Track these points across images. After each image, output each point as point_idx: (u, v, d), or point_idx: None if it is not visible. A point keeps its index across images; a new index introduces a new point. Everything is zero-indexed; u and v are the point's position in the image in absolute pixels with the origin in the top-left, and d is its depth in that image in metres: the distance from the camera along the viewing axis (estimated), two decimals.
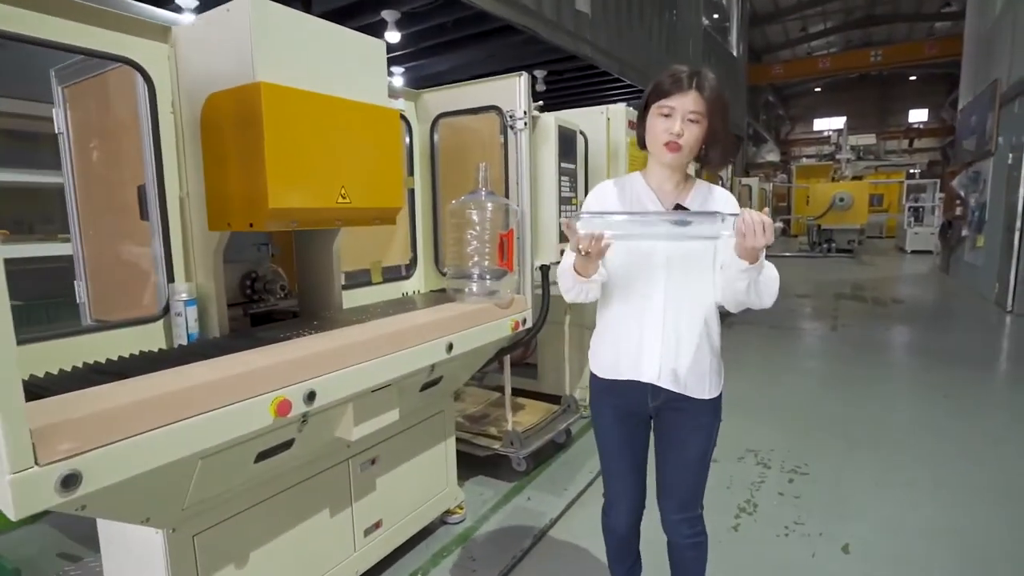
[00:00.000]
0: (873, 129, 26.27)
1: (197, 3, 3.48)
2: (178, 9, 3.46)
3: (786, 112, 30.96)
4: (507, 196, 2.44)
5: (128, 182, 1.77)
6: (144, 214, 1.76)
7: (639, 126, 1.47)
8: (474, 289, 2.26)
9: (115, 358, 1.51)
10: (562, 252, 2.77)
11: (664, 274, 1.44)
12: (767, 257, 1.35)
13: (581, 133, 3.19)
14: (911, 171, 21.15)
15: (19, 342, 1.51)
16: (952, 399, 4.06)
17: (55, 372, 1.40)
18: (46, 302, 2.85)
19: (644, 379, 1.48)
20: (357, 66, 1.79)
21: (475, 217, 2.22)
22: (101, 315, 1.90)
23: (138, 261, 1.81)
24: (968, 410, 3.84)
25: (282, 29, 1.57)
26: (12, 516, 0.96)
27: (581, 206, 1.61)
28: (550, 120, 2.63)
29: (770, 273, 1.36)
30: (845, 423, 3.63)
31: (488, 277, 2.27)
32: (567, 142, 2.74)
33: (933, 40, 17.63)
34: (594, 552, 2.30)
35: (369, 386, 1.68)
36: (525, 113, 2.33)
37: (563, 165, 2.70)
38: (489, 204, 2.22)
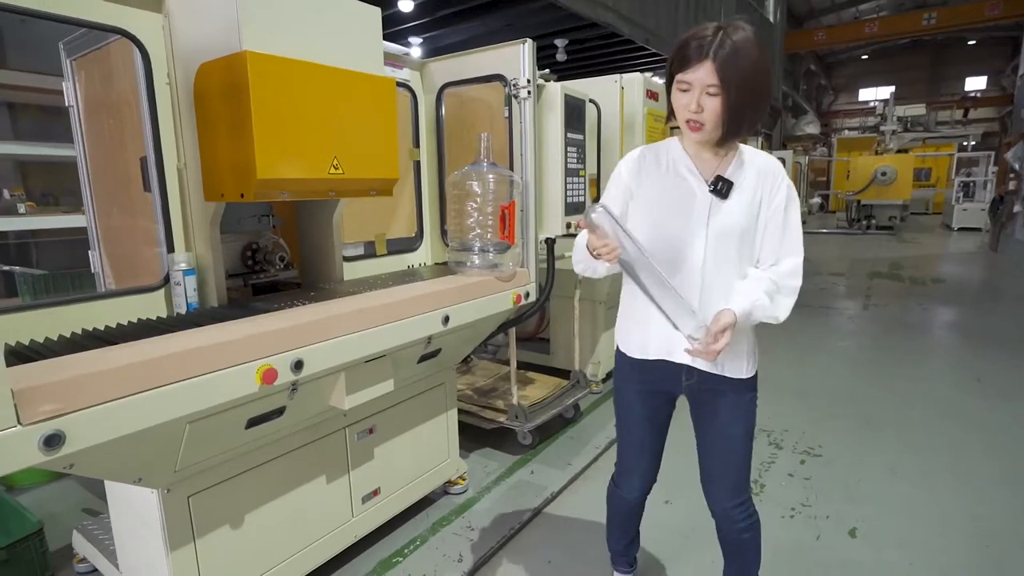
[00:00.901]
0: (925, 98, 24.76)
1: None
2: None
3: (829, 82, 29.48)
4: (511, 167, 2.39)
5: (132, 154, 1.80)
6: (147, 185, 1.80)
7: (668, 97, 1.36)
8: (476, 262, 2.24)
9: (114, 326, 1.56)
10: (568, 225, 2.73)
11: (702, 253, 1.35)
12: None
13: (594, 103, 3.09)
14: (964, 143, 19.94)
15: (26, 309, 1.58)
16: (986, 383, 3.87)
17: (55, 338, 1.45)
18: (71, 271, 2.97)
19: (677, 360, 1.42)
20: (351, 34, 1.76)
21: (476, 188, 2.19)
22: (116, 283, 1.96)
23: (142, 231, 1.85)
24: (1001, 395, 3.66)
25: None
26: None
27: (608, 181, 1.52)
28: (556, 89, 2.55)
29: (765, 312, 1.33)
30: (866, 405, 3.51)
31: (491, 250, 2.25)
32: (574, 111, 2.66)
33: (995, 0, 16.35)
34: (592, 525, 2.30)
35: (361, 356, 1.69)
36: (529, 82, 2.27)
37: (569, 135, 2.63)
38: (490, 175, 2.19)
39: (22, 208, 3.17)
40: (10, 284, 3.01)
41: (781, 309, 1.36)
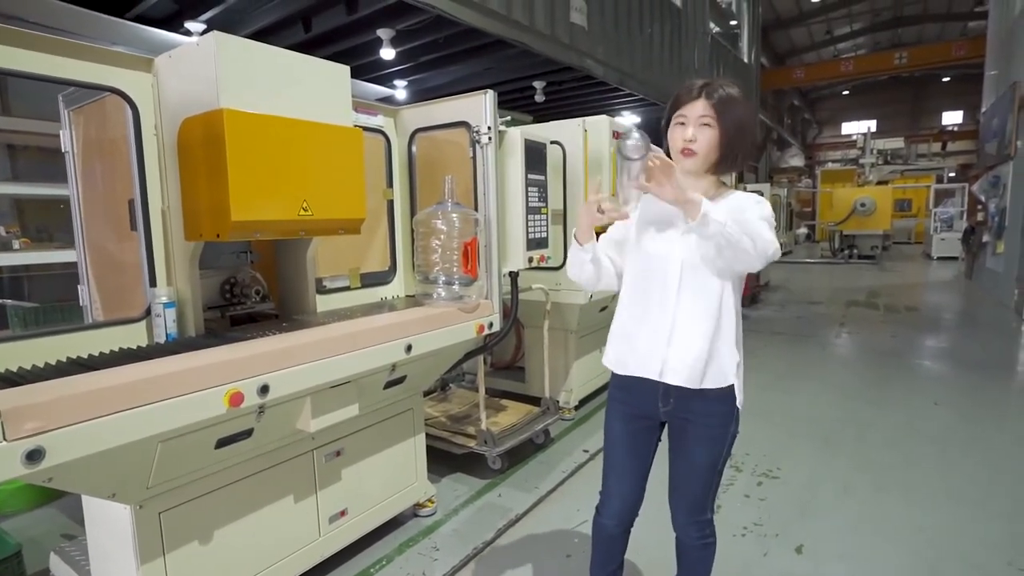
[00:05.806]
0: (905, 131, 25.55)
1: (204, 27, 3.74)
2: (187, 33, 3.73)
3: (813, 116, 30.41)
4: (476, 206, 2.58)
5: (121, 196, 1.98)
6: (133, 225, 1.97)
7: (664, 140, 1.52)
8: (441, 294, 2.40)
9: (97, 354, 1.70)
10: (529, 260, 2.90)
11: (677, 273, 1.48)
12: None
13: (559, 144, 3.31)
14: (942, 175, 20.53)
15: (19, 338, 1.73)
16: (944, 406, 4.02)
17: (43, 366, 1.59)
18: (61, 304, 3.11)
19: (650, 375, 1.51)
20: (321, 90, 1.96)
21: (440, 226, 2.37)
22: (103, 315, 2.11)
23: (128, 267, 2.01)
24: (960, 417, 3.81)
25: (246, 60, 1.74)
26: None
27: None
28: (516, 134, 2.76)
29: (729, 228, 1.32)
30: (828, 428, 3.65)
31: (456, 282, 2.41)
32: (534, 154, 2.87)
33: (962, 41, 17.14)
34: (553, 544, 2.41)
35: (325, 382, 1.83)
36: (490, 128, 2.47)
37: (530, 176, 2.83)
38: (453, 214, 2.37)
39: (16, 244, 3.33)
40: (3, 316, 3.15)
41: (749, 247, 1.33)
